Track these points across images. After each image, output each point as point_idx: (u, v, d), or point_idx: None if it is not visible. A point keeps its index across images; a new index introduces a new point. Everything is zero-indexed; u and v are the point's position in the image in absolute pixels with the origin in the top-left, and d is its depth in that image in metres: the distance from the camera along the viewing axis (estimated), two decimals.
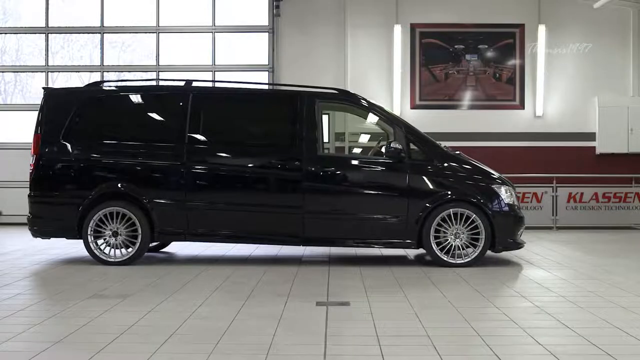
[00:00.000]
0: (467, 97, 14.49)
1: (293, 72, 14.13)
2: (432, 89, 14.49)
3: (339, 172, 8.16)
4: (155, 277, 7.15)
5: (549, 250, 9.70)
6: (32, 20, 15.08)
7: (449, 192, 8.00)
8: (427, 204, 7.94)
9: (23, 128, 13.44)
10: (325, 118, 8.95)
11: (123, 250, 8.15)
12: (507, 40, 14.48)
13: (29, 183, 8.41)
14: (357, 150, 13.34)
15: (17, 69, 15.22)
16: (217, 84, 9.92)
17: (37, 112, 8.53)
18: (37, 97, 13.41)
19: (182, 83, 8.68)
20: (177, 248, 9.76)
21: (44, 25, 14.90)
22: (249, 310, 5.46)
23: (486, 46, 14.48)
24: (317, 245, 8.75)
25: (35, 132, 8.39)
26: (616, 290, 6.45)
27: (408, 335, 4.67)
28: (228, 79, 10.30)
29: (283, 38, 14.50)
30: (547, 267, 8.06)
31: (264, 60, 14.63)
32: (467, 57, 14.48)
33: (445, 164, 8.13)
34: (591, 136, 14.43)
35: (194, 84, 8.66)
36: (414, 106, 14.32)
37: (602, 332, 4.74)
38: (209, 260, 8.69)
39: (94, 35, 14.99)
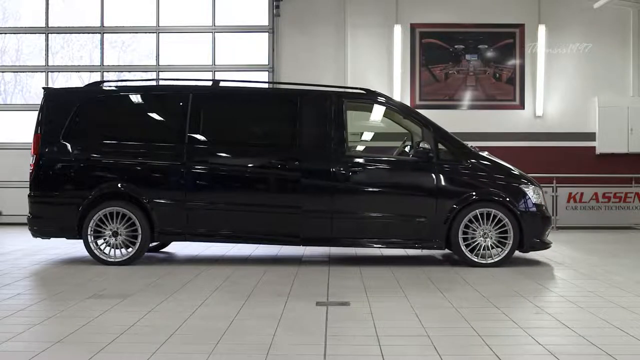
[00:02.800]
0: (467, 97, 14.49)
1: (293, 72, 14.14)
2: (432, 89, 14.49)
3: (367, 172, 8.14)
4: (155, 277, 7.14)
5: (549, 250, 9.67)
6: (32, 20, 15.09)
7: (477, 192, 8.00)
8: (456, 204, 7.93)
9: (23, 128, 13.45)
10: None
11: (123, 250, 8.15)
12: (507, 40, 14.49)
13: (29, 183, 8.41)
14: (377, 150, 13.21)
15: (17, 69, 15.23)
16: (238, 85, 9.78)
17: (37, 112, 8.52)
18: (37, 97, 13.45)
19: (209, 83, 8.72)
20: (177, 248, 9.76)
21: (44, 25, 14.91)
22: (249, 310, 5.46)
23: (486, 46, 14.48)
24: (345, 246, 8.56)
25: (35, 132, 8.38)
26: (616, 290, 6.45)
27: (408, 335, 4.67)
28: (251, 79, 10.22)
29: (283, 38, 14.50)
30: (547, 267, 8.06)
31: (264, 60, 14.63)
32: (467, 57, 14.49)
33: (473, 164, 8.13)
34: (591, 136, 14.43)
35: (221, 83, 8.73)
36: (414, 106, 14.27)
37: (602, 332, 4.74)
38: (209, 260, 8.69)
39: (94, 35, 14.99)
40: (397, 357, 4.14)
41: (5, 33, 15.21)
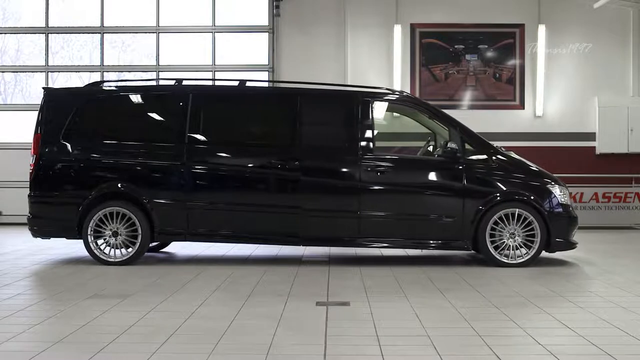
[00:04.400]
0: (467, 97, 14.49)
1: (293, 71, 14.12)
2: (432, 89, 14.48)
3: (394, 172, 8.11)
4: (155, 277, 7.15)
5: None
6: (32, 20, 15.09)
7: (504, 192, 8.01)
8: (483, 204, 7.94)
9: (23, 128, 13.45)
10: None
11: (123, 250, 8.14)
12: (507, 40, 14.49)
13: (29, 183, 8.41)
14: (401, 150, 13.18)
15: (17, 69, 15.23)
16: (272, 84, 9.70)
17: (37, 112, 8.52)
18: (37, 97, 13.43)
19: (236, 83, 8.75)
20: (177, 248, 9.76)
21: (44, 25, 14.90)
22: (249, 310, 5.46)
23: (486, 46, 14.48)
24: (374, 247, 8.40)
25: (35, 132, 8.38)
26: (616, 290, 6.45)
27: (408, 335, 4.67)
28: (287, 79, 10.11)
29: (283, 38, 14.50)
30: (547, 266, 8.06)
31: (263, 60, 14.63)
32: (467, 57, 14.49)
33: (500, 164, 8.15)
34: (591, 136, 14.44)
35: (248, 83, 8.73)
36: None
37: (602, 332, 4.74)
38: (209, 260, 8.69)
39: (94, 35, 14.99)
40: (397, 357, 4.14)
41: (5, 33, 15.21)
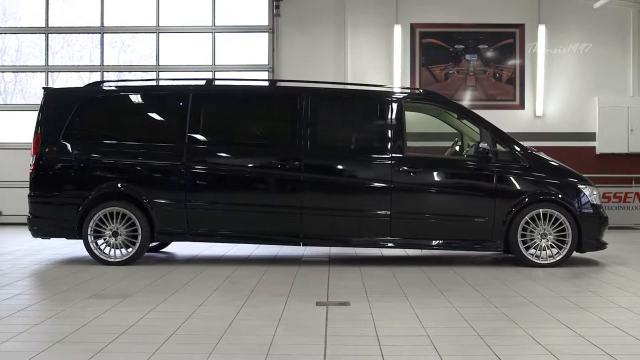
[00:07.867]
0: (467, 97, 14.48)
1: (293, 71, 14.11)
2: (432, 89, 14.42)
3: (426, 172, 8.11)
4: (155, 277, 7.15)
5: None
6: (32, 20, 15.08)
7: (536, 193, 8.02)
8: (514, 204, 7.95)
9: (23, 128, 13.45)
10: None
11: (123, 250, 8.15)
12: (507, 40, 14.49)
13: (29, 183, 8.41)
14: (429, 150, 13.10)
15: (17, 69, 15.22)
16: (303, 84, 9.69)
17: (37, 112, 8.53)
18: (37, 97, 13.44)
19: (266, 83, 8.77)
20: (177, 248, 9.76)
21: (44, 25, 14.90)
22: (249, 310, 5.46)
23: (486, 46, 14.48)
24: (401, 248, 8.45)
25: (35, 132, 8.39)
26: (616, 290, 6.45)
27: (408, 335, 4.67)
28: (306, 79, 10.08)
29: (283, 38, 14.50)
30: (547, 266, 8.05)
31: (264, 60, 14.63)
32: (467, 57, 14.48)
33: (531, 164, 8.16)
34: (591, 136, 14.43)
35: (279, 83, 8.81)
36: None
37: (602, 332, 4.74)
38: (209, 260, 8.69)
39: (94, 35, 14.99)
40: (397, 357, 4.14)
41: (5, 33, 15.20)
